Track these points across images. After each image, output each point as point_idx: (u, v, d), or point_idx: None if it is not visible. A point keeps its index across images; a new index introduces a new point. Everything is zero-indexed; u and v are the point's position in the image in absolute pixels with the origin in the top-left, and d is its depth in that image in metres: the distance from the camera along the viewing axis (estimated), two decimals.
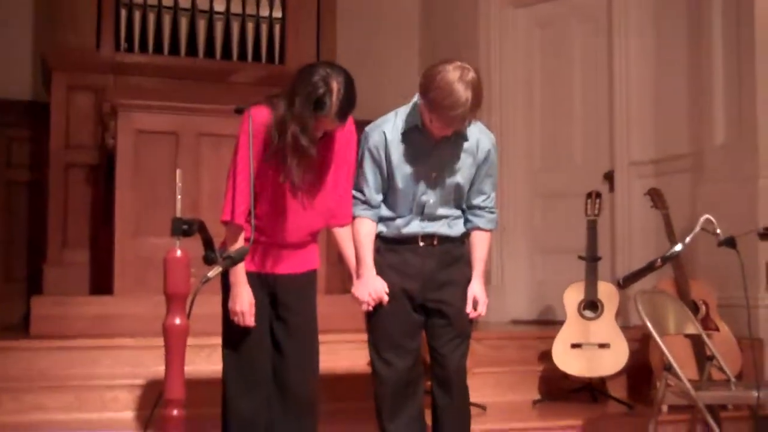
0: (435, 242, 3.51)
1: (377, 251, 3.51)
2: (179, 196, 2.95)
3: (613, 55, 6.39)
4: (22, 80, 6.98)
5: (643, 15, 6.28)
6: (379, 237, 3.53)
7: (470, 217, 3.59)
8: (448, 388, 3.51)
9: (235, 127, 4.96)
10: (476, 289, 3.54)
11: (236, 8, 6.77)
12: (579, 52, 6.74)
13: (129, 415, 4.29)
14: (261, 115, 3.19)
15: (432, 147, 3.44)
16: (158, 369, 3.97)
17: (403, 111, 3.52)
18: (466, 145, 3.49)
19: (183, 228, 2.92)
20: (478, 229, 3.59)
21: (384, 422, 3.48)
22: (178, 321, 2.88)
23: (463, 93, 3.22)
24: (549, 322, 6.30)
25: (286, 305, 3.36)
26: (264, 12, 6.84)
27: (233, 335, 3.29)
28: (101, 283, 5.83)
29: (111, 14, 6.50)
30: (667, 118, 6.08)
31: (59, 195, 6.22)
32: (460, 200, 3.56)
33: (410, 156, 3.46)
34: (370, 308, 3.45)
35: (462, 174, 3.50)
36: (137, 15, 6.53)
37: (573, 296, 5.03)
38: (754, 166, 5.13)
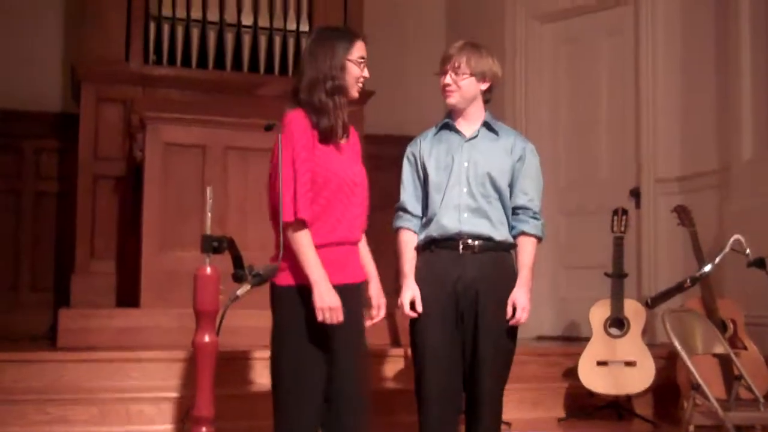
0: (476, 245, 3.49)
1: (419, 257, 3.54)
2: (209, 213, 2.97)
3: (640, 71, 6.37)
4: (51, 92, 7.04)
5: (670, 30, 6.26)
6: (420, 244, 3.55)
7: (515, 223, 3.57)
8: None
9: (262, 140, 5.00)
10: (517, 294, 3.49)
11: (264, 22, 6.79)
12: (605, 68, 6.73)
13: (154, 428, 4.29)
14: (297, 114, 3.17)
15: (464, 141, 3.55)
16: (184, 383, 4.01)
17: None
18: (499, 141, 3.57)
19: (213, 245, 2.94)
20: (524, 233, 3.56)
21: None
22: (207, 338, 2.90)
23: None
24: (574, 339, 6.29)
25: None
26: (291, 26, 6.86)
27: (290, 347, 3.14)
28: (128, 294, 5.86)
29: (140, 27, 6.55)
30: (694, 134, 6.06)
31: (87, 206, 6.25)
32: (501, 199, 3.54)
33: (444, 151, 3.55)
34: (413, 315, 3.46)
35: (493, 165, 3.52)
36: (166, 28, 6.57)
37: (599, 313, 5.01)
38: None
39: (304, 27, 6.90)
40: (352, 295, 3.22)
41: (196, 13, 6.62)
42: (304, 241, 3.07)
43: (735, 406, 3.88)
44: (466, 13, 7.68)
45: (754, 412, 3.85)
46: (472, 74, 3.53)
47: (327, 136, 3.17)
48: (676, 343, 3.76)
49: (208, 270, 2.92)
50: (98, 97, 6.43)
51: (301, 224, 3.07)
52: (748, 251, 3.60)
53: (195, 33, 6.65)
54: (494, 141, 3.58)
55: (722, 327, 4.74)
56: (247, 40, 6.77)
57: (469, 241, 3.47)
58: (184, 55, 6.67)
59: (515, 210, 3.57)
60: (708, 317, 4.55)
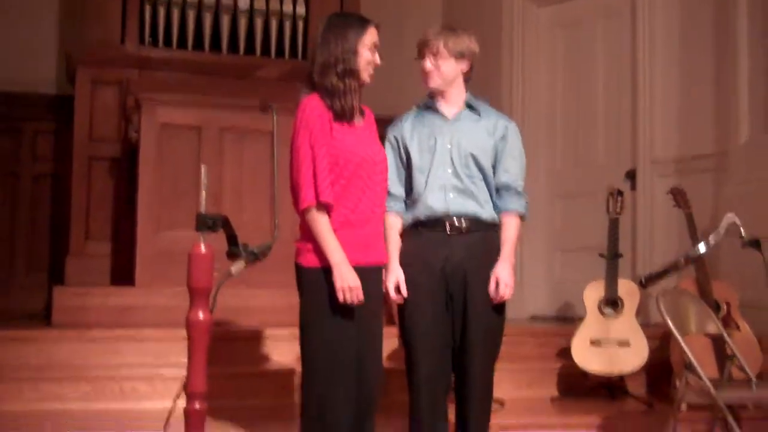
0: (463, 225, 3.50)
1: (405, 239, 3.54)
2: (204, 192, 2.98)
3: (637, 54, 6.36)
4: (47, 74, 7.04)
5: (668, 13, 6.26)
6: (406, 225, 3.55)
7: (498, 201, 3.59)
8: None
9: (258, 122, 5.06)
10: (499, 269, 3.49)
11: (260, 4, 6.78)
12: (602, 51, 6.72)
13: (148, 405, 4.29)
14: (312, 98, 3.23)
15: (446, 123, 3.56)
16: (178, 360, 4.02)
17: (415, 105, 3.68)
18: (481, 122, 3.58)
19: (208, 223, 2.95)
20: (507, 211, 3.58)
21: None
22: (201, 315, 2.91)
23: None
24: (568, 319, 6.30)
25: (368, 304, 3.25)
26: (288, 8, 6.85)
27: (319, 327, 3.18)
28: (123, 274, 5.87)
29: (136, 9, 6.53)
30: (691, 117, 6.06)
31: (82, 187, 6.25)
32: (485, 178, 3.56)
33: (426, 134, 3.55)
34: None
35: (476, 145, 3.54)
36: (161, 10, 6.55)
37: (593, 294, 5.02)
38: None
39: (301, 9, 6.89)
40: (373, 276, 3.29)
41: None
42: (323, 224, 3.14)
43: (727, 386, 3.89)
44: None
45: (746, 391, 3.86)
46: (451, 56, 3.53)
47: (341, 118, 3.22)
48: (670, 323, 3.76)
49: (203, 248, 2.92)
50: (94, 80, 6.42)
51: (321, 207, 3.14)
52: (743, 232, 3.61)
53: (191, 15, 6.63)
54: (476, 121, 3.59)
55: (716, 308, 4.75)
56: (243, 22, 6.76)
57: (456, 221, 3.48)
58: (180, 37, 6.65)
59: (498, 188, 3.59)
60: (702, 298, 4.55)
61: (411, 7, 7.67)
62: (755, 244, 3.71)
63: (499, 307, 3.54)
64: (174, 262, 4.76)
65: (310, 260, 3.19)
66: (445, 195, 3.49)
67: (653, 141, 6.25)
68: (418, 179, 3.52)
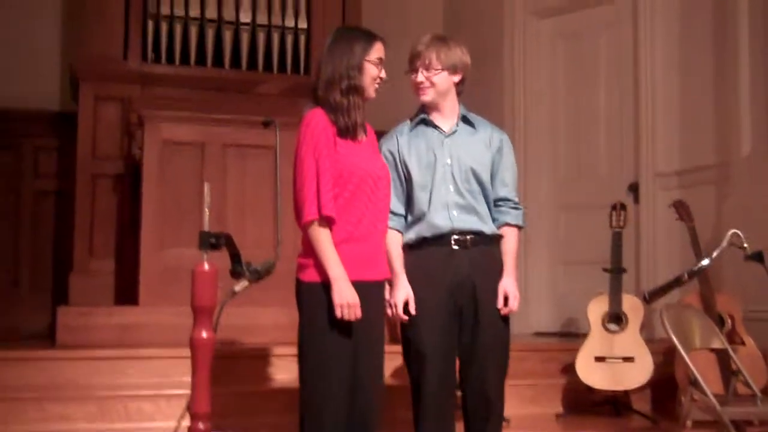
0: (468, 240, 3.48)
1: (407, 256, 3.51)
2: (207, 210, 2.98)
3: (638, 66, 6.36)
4: (49, 90, 7.04)
5: (668, 24, 6.26)
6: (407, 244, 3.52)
7: (497, 214, 3.59)
8: None
9: (261, 138, 5.06)
10: (507, 283, 3.50)
11: (262, 19, 6.79)
12: (604, 63, 6.73)
13: (153, 425, 4.29)
14: (316, 112, 3.22)
15: (443, 137, 3.54)
16: (183, 380, 4.01)
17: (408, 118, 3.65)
18: (477, 135, 3.57)
19: (211, 242, 2.95)
20: (507, 224, 3.58)
21: None
22: (204, 334, 2.91)
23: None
24: (572, 335, 6.28)
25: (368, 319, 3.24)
26: (289, 23, 6.86)
27: (316, 342, 3.15)
28: (126, 292, 5.86)
29: (138, 25, 6.55)
30: (693, 129, 6.06)
31: (86, 205, 6.25)
32: (484, 192, 3.55)
33: (423, 148, 3.53)
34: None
35: (475, 159, 3.53)
36: (164, 26, 6.57)
37: (597, 309, 5.01)
38: None
39: (303, 24, 6.90)
40: (374, 292, 3.26)
41: (194, 11, 6.62)
42: (324, 239, 3.11)
43: (732, 401, 3.88)
44: (463, 8, 7.68)
45: (752, 406, 3.86)
46: (443, 68, 3.51)
47: (345, 134, 3.21)
48: (674, 339, 3.76)
49: (206, 266, 2.93)
50: (97, 96, 6.43)
51: (323, 221, 3.11)
52: (746, 245, 3.61)
53: (193, 31, 6.65)
54: (473, 135, 3.58)
55: (720, 322, 4.74)
56: (245, 37, 6.77)
57: (461, 237, 3.47)
58: (183, 53, 6.66)
59: (497, 201, 3.59)
60: (706, 312, 4.55)
61: (412, 20, 7.68)
62: (758, 256, 3.70)
63: (507, 321, 3.54)
64: (178, 279, 4.76)
65: (310, 275, 3.16)
66: (449, 213, 3.48)
67: (656, 154, 6.24)
68: (421, 197, 3.50)
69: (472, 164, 3.52)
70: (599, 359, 4.89)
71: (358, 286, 3.13)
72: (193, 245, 2.98)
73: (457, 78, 3.56)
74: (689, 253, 4.92)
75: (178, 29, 6.62)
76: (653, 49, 6.29)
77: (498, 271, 3.52)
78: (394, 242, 3.50)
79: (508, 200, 3.61)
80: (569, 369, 5.04)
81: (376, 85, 3.30)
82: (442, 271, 3.46)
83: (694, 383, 3.76)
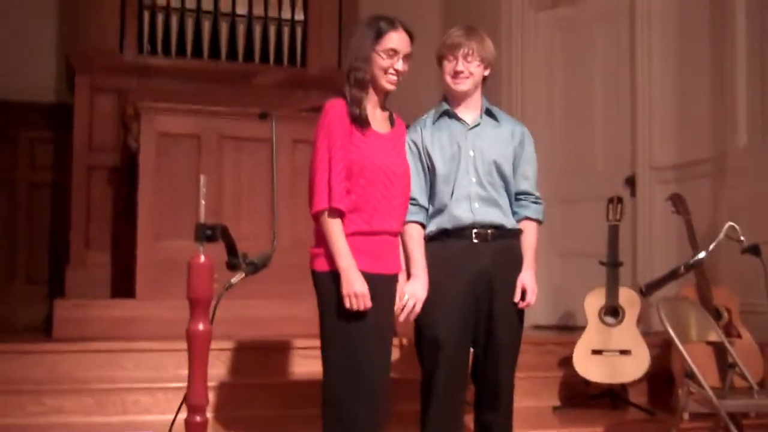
0: (489, 233, 3.47)
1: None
2: (203, 202, 2.97)
3: (635, 59, 6.36)
4: (45, 83, 7.04)
5: (666, 19, 6.25)
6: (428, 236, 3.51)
7: (517, 208, 3.59)
8: None
9: (257, 130, 5.06)
10: (525, 277, 3.51)
11: (258, 11, 6.79)
12: (601, 56, 6.71)
13: (150, 419, 4.28)
14: (336, 102, 3.22)
15: (466, 129, 3.53)
16: (180, 372, 4.01)
17: (432, 109, 3.63)
18: (500, 128, 3.58)
19: (207, 233, 2.93)
20: (527, 219, 3.59)
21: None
22: (201, 327, 2.89)
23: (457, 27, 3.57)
24: (569, 328, 6.29)
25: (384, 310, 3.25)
26: (286, 14, 6.86)
27: (333, 329, 3.16)
28: (123, 285, 5.86)
29: (134, 17, 6.54)
30: (689, 122, 6.05)
31: (82, 197, 6.25)
32: (506, 185, 3.55)
33: (447, 140, 3.52)
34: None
35: (498, 153, 3.52)
36: (160, 18, 6.56)
37: (594, 302, 5.01)
38: None
39: (299, 16, 6.90)
40: (384, 285, 3.25)
41: (190, 3, 6.63)
42: (335, 229, 3.12)
43: (729, 394, 3.87)
44: (461, 0, 7.66)
45: (748, 399, 3.85)
46: (481, 60, 3.53)
47: (357, 125, 3.20)
48: (671, 331, 3.76)
49: (202, 258, 2.91)
50: (93, 88, 6.43)
51: (334, 213, 3.12)
52: (742, 237, 3.61)
53: (189, 22, 6.65)
54: (496, 128, 3.58)
55: (717, 315, 4.73)
56: (241, 29, 6.77)
57: (482, 230, 3.46)
58: (179, 44, 6.66)
59: (518, 195, 3.59)
60: (702, 305, 4.54)
61: (409, 12, 7.65)
62: (754, 249, 3.70)
63: (521, 315, 3.56)
64: (175, 272, 4.71)
65: (321, 265, 3.18)
66: (470, 205, 3.46)
67: (652, 147, 6.24)
68: (443, 189, 3.48)
69: (495, 157, 3.51)
70: (596, 352, 4.89)
71: (369, 277, 3.13)
72: (190, 237, 2.96)
73: (487, 72, 3.58)
74: (686, 246, 4.91)
75: (174, 21, 6.61)
76: (650, 43, 6.29)
77: (517, 266, 3.53)
78: (417, 236, 3.47)
79: (530, 194, 3.61)
80: (566, 362, 5.04)
81: (391, 77, 3.27)
82: (463, 263, 3.43)
83: (691, 376, 3.75)
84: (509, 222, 3.53)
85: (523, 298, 3.50)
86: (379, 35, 3.24)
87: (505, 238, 3.51)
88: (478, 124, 3.55)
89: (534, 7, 7.08)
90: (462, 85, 3.53)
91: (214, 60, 6.73)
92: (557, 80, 6.97)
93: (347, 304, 3.09)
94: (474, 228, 3.45)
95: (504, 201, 3.54)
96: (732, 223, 3.62)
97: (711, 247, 3.64)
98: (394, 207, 3.26)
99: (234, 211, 5.48)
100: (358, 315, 3.12)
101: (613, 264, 5.04)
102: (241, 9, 6.74)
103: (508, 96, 7.02)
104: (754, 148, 5.33)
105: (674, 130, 6.17)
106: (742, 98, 5.42)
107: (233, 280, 3.03)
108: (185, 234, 3.69)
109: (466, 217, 3.45)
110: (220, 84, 6.67)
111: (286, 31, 6.86)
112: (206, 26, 6.68)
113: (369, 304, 3.10)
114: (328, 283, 3.15)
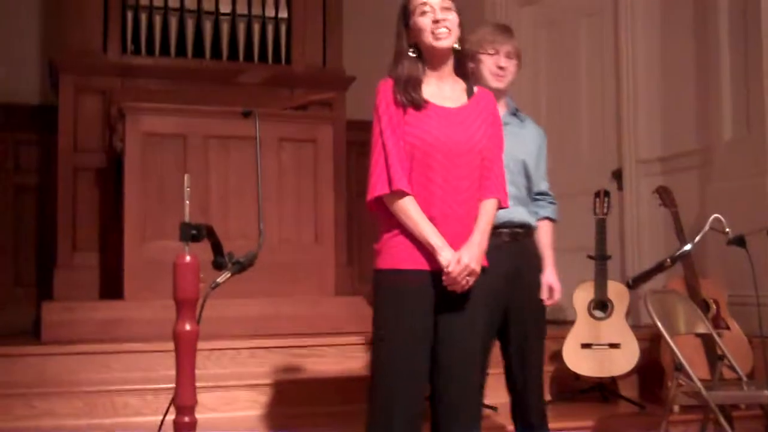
0: (518, 233, 3.48)
1: None
2: (188, 201, 2.95)
3: (620, 53, 6.36)
4: (29, 84, 6.98)
5: (650, 12, 6.25)
6: None
7: (536, 208, 3.60)
8: None
9: (243, 128, 5.04)
10: (550, 276, 3.55)
11: (242, 9, 6.75)
12: (585, 50, 6.72)
13: (140, 420, 4.28)
14: (386, 83, 3.04)
15: None
16: (169, 373, 3.98)
17: None
18: (525, 127, 3.61)
19: (192, 233, 2.92)
20: (547, 218, 3.63)
21: None
22: (188, 327, 2.88)
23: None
24: (558, 322, 6.28)
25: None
26: (270, 12, 6.82)
27: (387, 337, 2.94)
28: (111, 286, 5.84)
29: (117, 17, 6.50)
30: (675, 115, 6.06)
31: (68, 199, 6.21)
32: (530, 185, 3.56)
33: None
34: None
35: (527, 152, 3.54)
36: (143, 17, 6.52)
37: (582, 296, 5.02)
38: (763, 162, 5.08)
39: (283, 14, 6.87)
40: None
41: (174, 2, 6.59)
42: (409, 209, 2.89)
43: (718, 386, 3.89)
44: None
45: (738, 391, 3.87)
46: (517, 59, 3.54)
47: (407, 104, 2.98)
48: (659, 324, 3.76)
49: (188, 258, 2.89)
50: (77, 88, 6.38)
51: (399, 194, 2.90)
52: (728, 229, 3.62)
53: (173, 22, 6.61)
54: (522, 127, 3.59)
55: (705, 307, 4.75)
56: (225, 27, 6.74)
57: (512, 229, 3.46)
58: (163, 44, 6.63)
59: (537, 195, 3.61)
60: (691, 297, 4.56)
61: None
62: (739, 241, 3.72)
63: (545, 315, 3.63)
64: (162, 272, 4.69)
65: (378, 262, 2.98)
66: None
67: (638, 140, 6.24)
68: None
69: (524, 157, 3.52)
70: (585, 346, 4.90)
71: (430, 275, 2.92)
72: (177, 238, 2.95)
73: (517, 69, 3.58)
74: (673, 238, 4.93)
75: (157, 20, 6.58)
76: (634, 37, 6.29)
77: (540, 264, 3.56)
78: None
79: (548, 195, 3.66)
80: (556, 356, 5.04)
81: (440, 31, 3.02)
82: (496, 262, 3.23)
83: (680, 368, 3.76)
84: (533, 221, 3.56)
85: (549, 296, 3.55)
86: (406, 6, 3.09)
87: (530, 237, 3.55)
88: (507, 124, 3.44)
89: (517, 1, 7.08)
90: (502, 83, 3.52)
91: (199, 59, 6.70)
92: (542, 75, 6.97)
93: (445, 281, 2.87)
94: (505, 227, 3.43)
95: (528, 200, 3.57)
96: (717, 215, 3.63)
97: (697, 239, 3.66)
98: (458, 189, 2.96)
99: (221, 211, 5.47)
100: (412, 318, 2.91)
101: (601, 258, 5.05)
102: (225, 7, 6.70)
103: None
104: (739, 140, 5.35)
105: (660, 123, 6.18)
106: (727, 91, 5.44)
107: (219, 280, 3.02)
108: (172, 234, 3.67)
109: (501, 215, 3.30)
110: (204, 83, 6.64)
111: (270, 28, 6.83)
112: (190, 25, 6.64)
113: (471, 282, 2.91)
114: (381, 281, 2.97)
